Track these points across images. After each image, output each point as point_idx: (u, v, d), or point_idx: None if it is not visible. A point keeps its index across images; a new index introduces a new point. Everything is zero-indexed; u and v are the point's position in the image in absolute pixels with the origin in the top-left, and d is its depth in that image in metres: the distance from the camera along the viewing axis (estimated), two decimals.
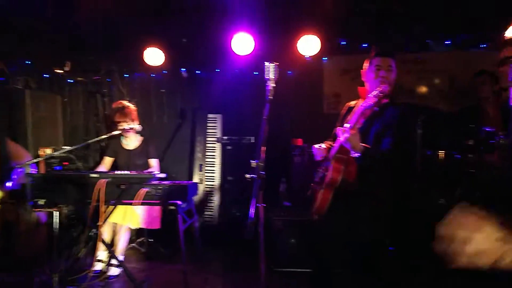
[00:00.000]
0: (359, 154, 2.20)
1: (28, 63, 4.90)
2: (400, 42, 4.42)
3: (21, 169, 3.51)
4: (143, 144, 3.87)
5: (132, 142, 3.87)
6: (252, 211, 1.82)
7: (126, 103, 3.78)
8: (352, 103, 2.64)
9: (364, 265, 2.43)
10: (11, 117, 4.37)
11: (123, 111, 3.67)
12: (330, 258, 2.56)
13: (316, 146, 2.59)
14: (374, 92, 2.17)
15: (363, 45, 4.49)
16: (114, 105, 3.81)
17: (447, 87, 4.54)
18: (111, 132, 3.56)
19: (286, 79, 4.86)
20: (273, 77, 2.03)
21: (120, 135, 3.73)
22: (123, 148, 3.85)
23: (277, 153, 3.81)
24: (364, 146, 2.23)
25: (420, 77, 4.61)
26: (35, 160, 3.38)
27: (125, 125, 3.60)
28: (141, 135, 3.90)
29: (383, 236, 2.52)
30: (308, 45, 4.37)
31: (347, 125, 2.20)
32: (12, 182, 3.56)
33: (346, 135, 2.17)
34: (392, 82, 2.40)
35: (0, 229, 3.43)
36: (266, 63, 2.04)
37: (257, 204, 1.81)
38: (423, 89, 4.61)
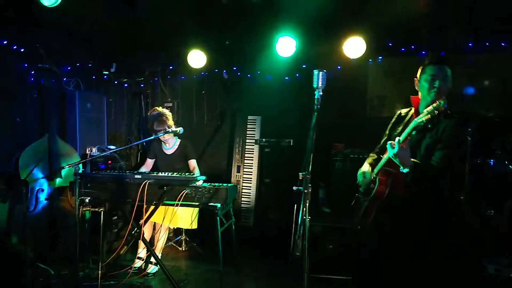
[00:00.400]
0: (407, 169, 2.10)
1: (78, 65, 5.11)
2: (449, 44, 4.20)
3: (69, 167, 3.67)
4: (181, 148, 3.87)
5: (171, 146, 3.89)
6: (298, 226, 1.76)
7: (161, 109, 3.78)
8: (403, 111, 2.52)
9: (407, 279, 2.31)
10: (61, 116, 4.57)
11: (160, 119, 3.68)
12: (372, 269, 2.49)
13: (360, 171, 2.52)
14: (430, 109, 2.01)
15: (411, 46, 4.32)
16: (150, 113, 3.84)
17: (499, 91, 4.26)
18: (152, 133, 3.66)
19: (328, 81, 4.74)
20: (321, 85, 1.92)
21: (159, 139, 3.78)
22: (163, 151, 3.90)
23: (317, 158, 3.73)
24: (413, 161, 2.12)
25: (471, 80, 4.36)
26: (83, 160, 3.50)
27: (163, 132, 3.56)
28: (179, 138, 3.91)
29: (428, 251, 2.40)
30: (354, 47, 4.26)
31: (397, 139, 2.08)
32: (60, 179, 3.73)
33: (396, 150, 2.06)
34: (448, 92, 2.26)
35: (48, 224, 3.59)
36: (315, 71, 1.93)
37: (304, 217, 1.75)
38: (474, 93, 4.36)
